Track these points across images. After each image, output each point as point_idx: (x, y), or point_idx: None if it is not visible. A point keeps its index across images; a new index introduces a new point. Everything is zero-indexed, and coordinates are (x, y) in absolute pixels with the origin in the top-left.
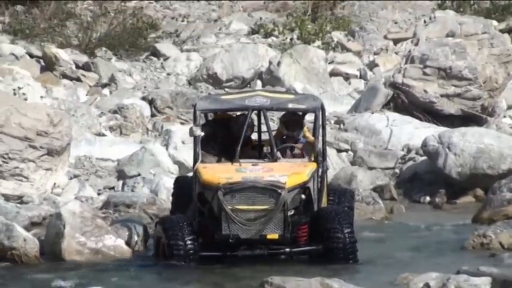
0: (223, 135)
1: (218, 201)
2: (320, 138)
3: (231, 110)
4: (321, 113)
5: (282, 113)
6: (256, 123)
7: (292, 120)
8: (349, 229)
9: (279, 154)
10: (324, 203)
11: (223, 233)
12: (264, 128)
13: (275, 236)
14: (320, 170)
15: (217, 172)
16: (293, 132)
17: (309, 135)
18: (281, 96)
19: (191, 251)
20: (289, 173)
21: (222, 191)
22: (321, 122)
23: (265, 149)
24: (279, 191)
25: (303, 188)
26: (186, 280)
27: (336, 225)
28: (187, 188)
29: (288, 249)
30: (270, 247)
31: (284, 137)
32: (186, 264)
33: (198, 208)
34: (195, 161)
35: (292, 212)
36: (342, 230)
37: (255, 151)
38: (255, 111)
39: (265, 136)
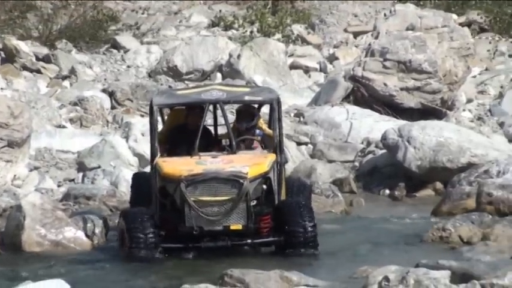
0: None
1: (181, 193)
2: (277, 130)
3: (187, 104)
4: (277, 105)
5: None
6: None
7: (242, 111)
8: (311, 223)
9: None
10: (283, 195)
11: (186, 225)
12: (221, 121)
13: (238, 226)
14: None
15: (178, 165)
16: (240, 123)
17: (266, 127)
18: (237, 90)
19: (152, 244)
20: (250, 163)
21: (184, 183)
22: (277, 115)
23: (224, 142)
24: (241, 181)
25: (264, 178)
26: (145, 272)
27: (298, 218)
28: (145, 184)
29: (249, 241)
30: (233, 238)
31: (240, 130)
32: (148, 256)
33: (159, 202)
34: (153, 155)
35: (255, 202)
36: (303, 224)
37: (214, 144)
38: (212, 105)
39: (221, 130)
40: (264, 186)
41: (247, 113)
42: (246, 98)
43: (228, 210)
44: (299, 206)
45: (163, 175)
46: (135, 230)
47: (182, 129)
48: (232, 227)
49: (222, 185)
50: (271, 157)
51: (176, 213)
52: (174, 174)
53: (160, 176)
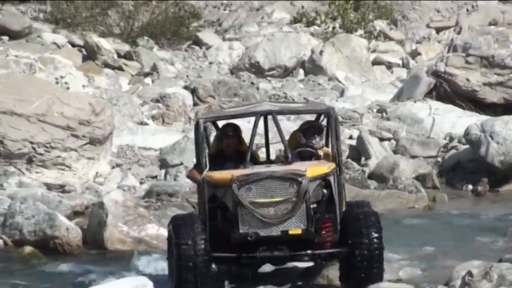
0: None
1: (233, 195)
2: (334, 143)
3: (235, 117)
4: (334, 118)
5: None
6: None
7: (311, 128)
8: (376, 234)
9: None
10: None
11: (240, 231)
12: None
13: (298, 231)
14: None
15: (229, 171)
16: (310, 139)
17: (325, 148)
18: (290, 104)
19: (201, 251)
20: (307, 166)
21: (236, 183)
22: (334, 128)
23: (279, 152)
24: (300, 179)
25: (324, 180)
26: (226, 272)
27: (363, 229)
28: None
29: (309, 251)
30: (292, 247)
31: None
32: (196, 265)
33: (209, 213)
34: (201, 170)
35: (315, 205)
36: (368, 235)
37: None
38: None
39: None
40: (325, 191)
41: (314, 128)
42: (300, 109)
43: (286, 212)
44: (365, 215)
45: (214, 182)
46: (183, 236)
47: (220, 156)
48: (291, 232)
49: (278, 184)
50: (331, 164)
51: (228, 222)
52: (226, 178)
53: (211, 185)
